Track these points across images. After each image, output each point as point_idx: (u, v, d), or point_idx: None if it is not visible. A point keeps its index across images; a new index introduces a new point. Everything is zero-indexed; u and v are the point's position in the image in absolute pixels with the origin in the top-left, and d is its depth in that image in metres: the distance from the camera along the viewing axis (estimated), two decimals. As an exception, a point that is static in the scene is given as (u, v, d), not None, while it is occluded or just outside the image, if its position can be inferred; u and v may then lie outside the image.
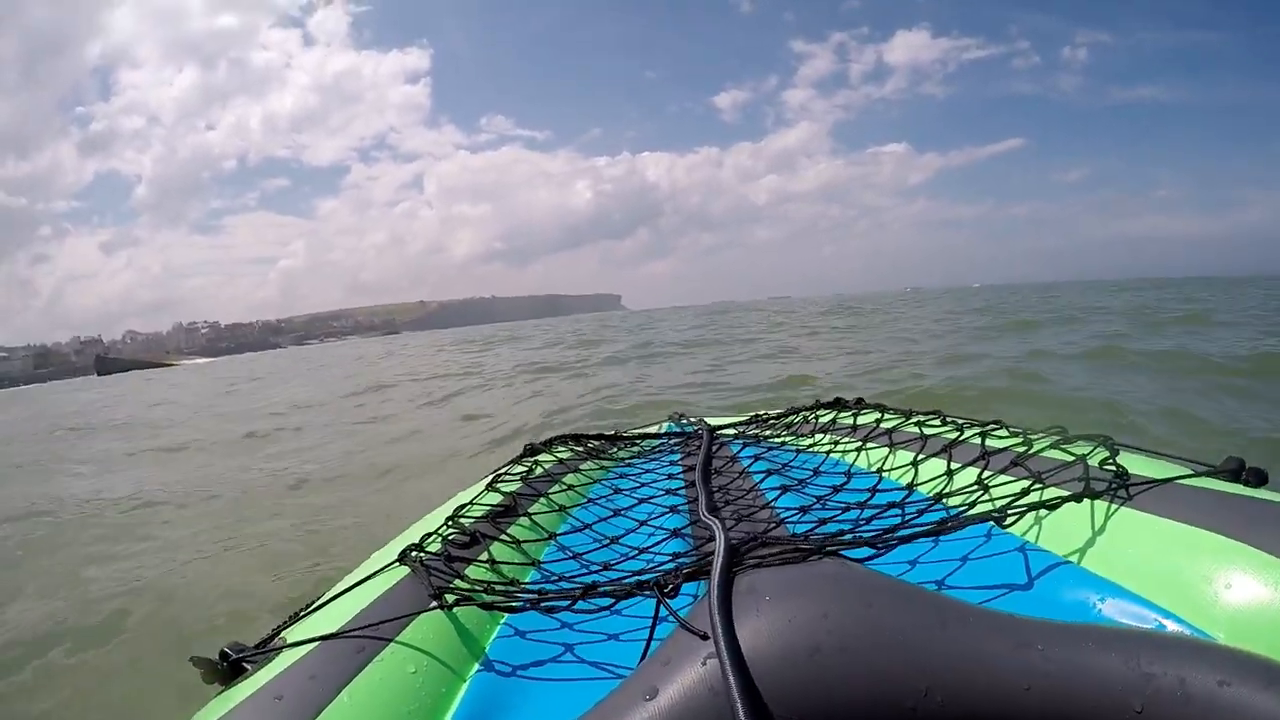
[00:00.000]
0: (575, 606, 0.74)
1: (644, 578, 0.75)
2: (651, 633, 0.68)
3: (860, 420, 1.50)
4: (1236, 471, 0.77)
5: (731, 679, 0.50)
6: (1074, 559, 0.73)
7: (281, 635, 0.73)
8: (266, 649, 0.70)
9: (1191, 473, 0.78)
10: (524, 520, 1.10)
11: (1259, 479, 0.75)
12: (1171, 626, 0.60)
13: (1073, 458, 0.87)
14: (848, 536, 0.76)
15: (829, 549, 0.68)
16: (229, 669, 0.68)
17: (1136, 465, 0.82)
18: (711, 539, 0.72)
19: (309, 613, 0.79)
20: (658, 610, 0.68)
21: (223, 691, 0.66)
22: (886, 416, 1.45)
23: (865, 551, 0.72)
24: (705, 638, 0.55)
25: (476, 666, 0.73)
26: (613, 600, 0.74)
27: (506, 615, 0.81)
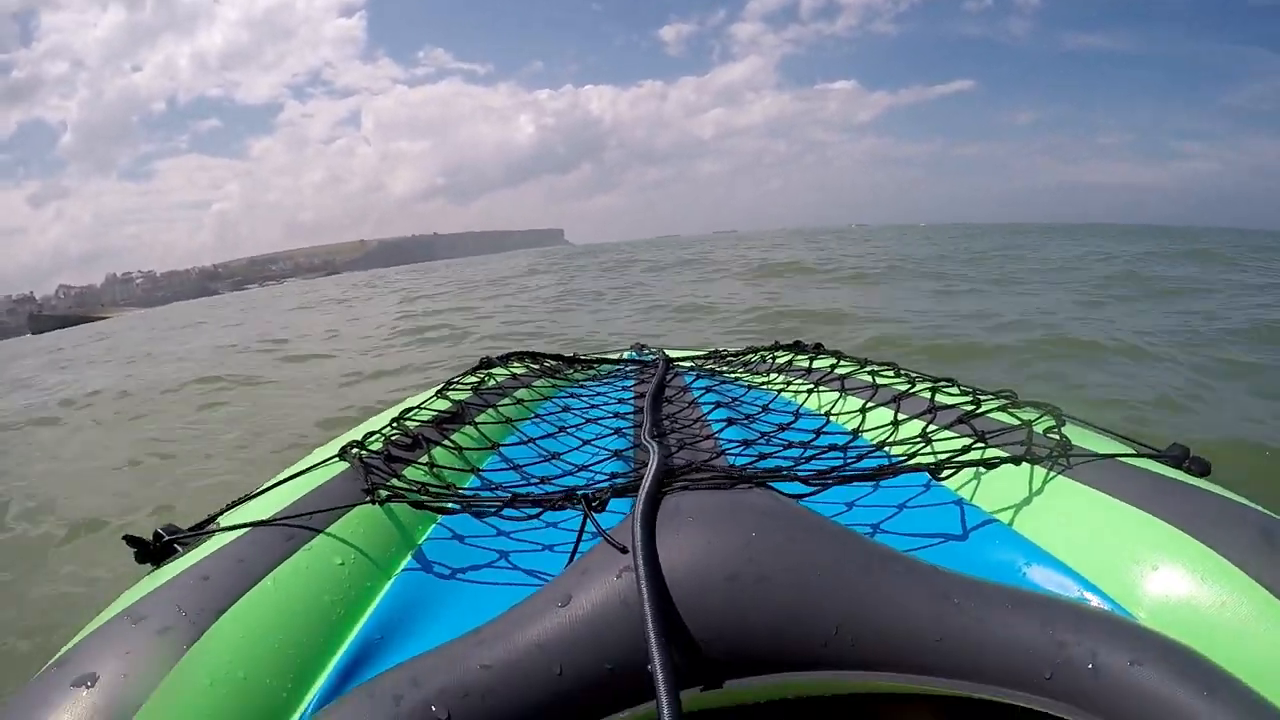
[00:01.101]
0: (504, 513, 0.76)
1: (576, 491, 0.75)
2: (577, 544, 0.69)
3: (816, 365, 1.50)
4: (1180, 458, 0.77)
5: (645, 593, 0.50)
6: (1007, 520, 0.74)
7: (216, 520, 0.75)
8: (199, 532, 0.71)
9: (1134, 452, 0.78)
10: (469, 428, 1.11)
11: (1201, 469, 0.76)
12: (1093, 600, 0.60)
13: (1019, 422, 0.87)
14: (785, 472, 0.76)
15: (761, 480, 0.68)
16: (161, 549, 0.70)
17: (1080, 438, 0.82)
18: (648, 462, 0.71)
19: (245, 500, 0.80)
20: (584, 522, 0.68)
21: (153, 570, 0.67)
22: (841, 363, 1.45)
23: (800, 488, 0.72)
24: (625, 551, 0.55)
25: (406, 563, 0.74)
26: (541, 509, 0.75)
27: (441, 517, 0.81)
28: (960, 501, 0.80)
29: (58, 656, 0.55)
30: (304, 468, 0.87)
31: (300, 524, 0.70)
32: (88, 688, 0.51)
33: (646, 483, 0.63)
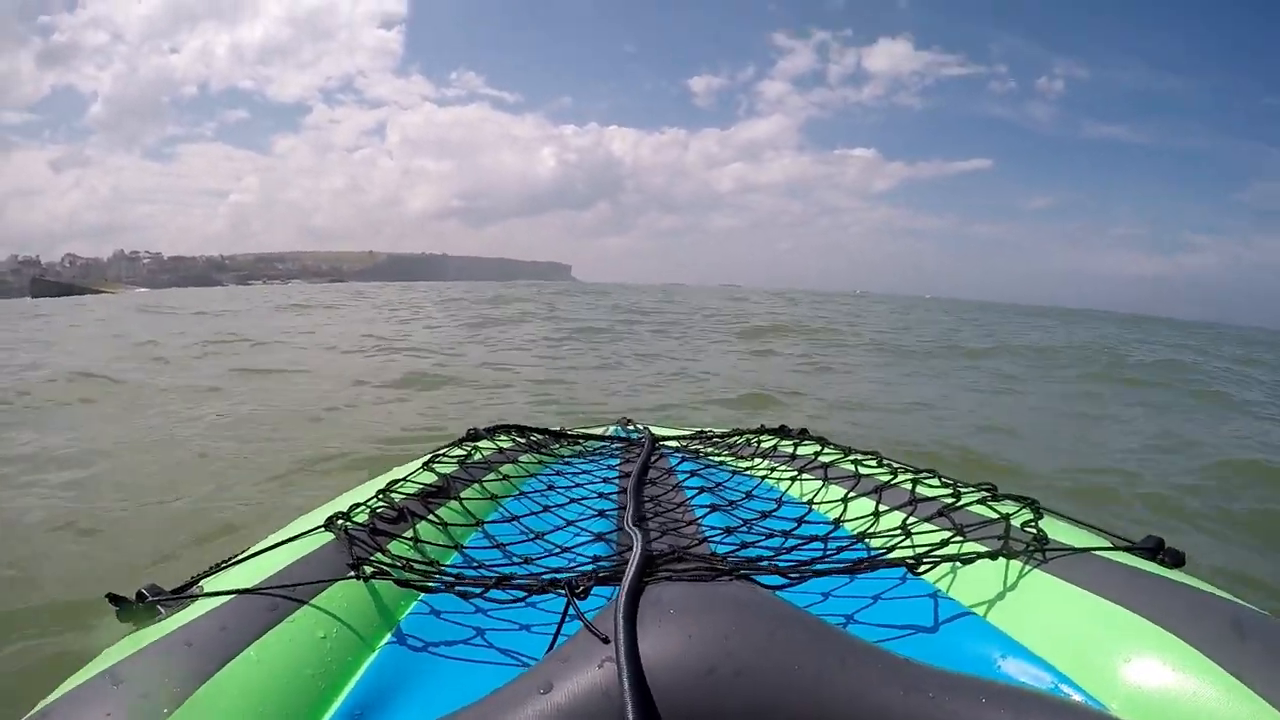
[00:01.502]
0: (488, 594, 0.76)
1: (559, 576, 0.76)
2: (559, 629, 0.69)
3: (800, 451, 1.52)
4: (1154, 550, 0.78)
5: (626, 685, 0.51)
6: (983, 613, 0.74)
7: (199, 584, 0.75)
8: (183, 595, 0.71)
9: (1110, 545, 0.79)
10: (454, 503, 1.11)
11: (1175, 560, 0.77)
12: (1068, 692, 0.61)
13: (997, 515, 0.88)
14: (765, 564, 0.78)
15: (742, 572, 0.69)
16: (143, 610, 0.70)
17: (1057, 531, 0.84)
18: (632, 548, 0.72)
19: (228, 565, 0.80)
20: (566, 608, 0.68)
21: (135, 631, 0.67)
22: (825, 451, 1.47)
23: (779, 579, 0.73)
24: (606, 641, 0.56)
25: (387, 639, 0.75)
26: (525, 593, 0.75)
27: (422, 594, 0.82)
28: (936, 594, 0.81)
29: (35, 711, 0.55)
30: (288, 536, 0.87)
31: (284, 594, 0.70)
32: None
33: (629, 573, 0.64)
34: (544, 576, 0.79)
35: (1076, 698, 0.60)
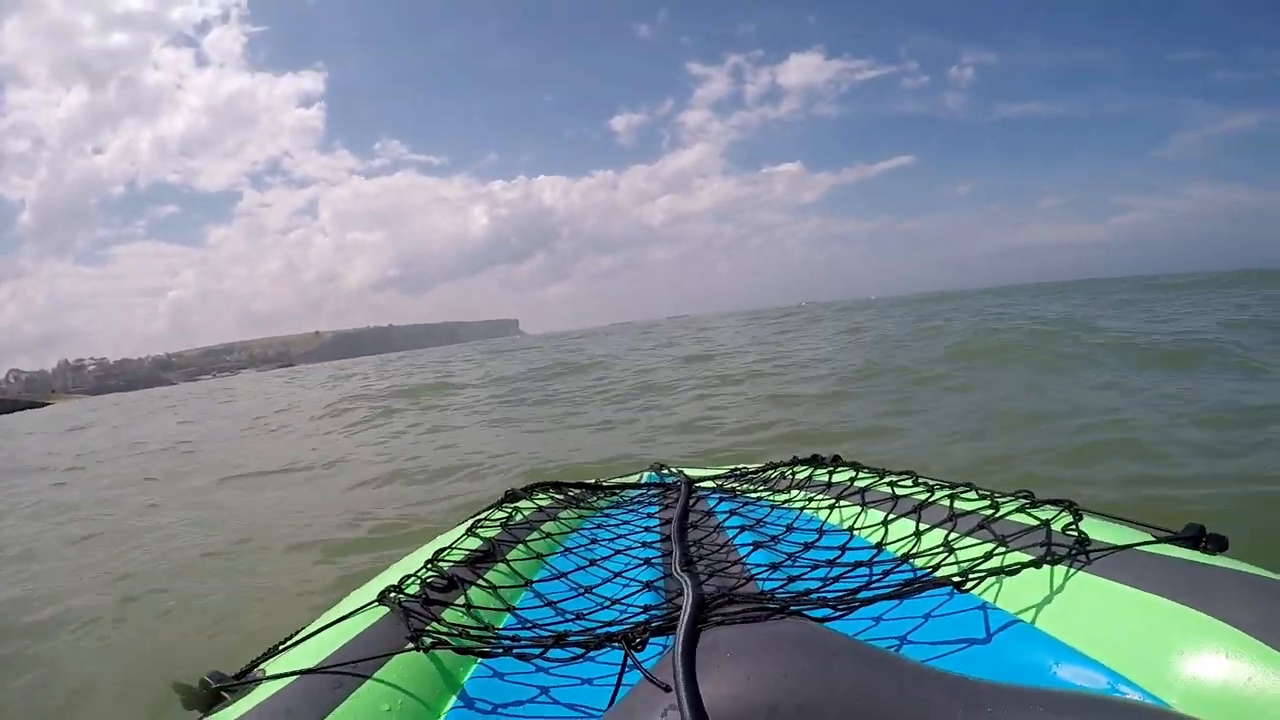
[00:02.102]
0: (547, 654, 0.77)
1: (614, 629, 0.77)
2: (619, 682, 0.70)
3: (835, 478, 1.53)
4: (1196, 538, 0.78)
5: None
6: (1032, 620, 0.75)
7: (261, 667, 0.75)
8: (245, 679, 0.72)
9: (1151, 539, 0.80)
10: (501, 566, 1.12)
11: (1218, 545, 0.77)
12: (1125, 692, 0.61)
13: (1036, 522, 0.90)
14: (813, 596, 0.79)
15: (792, 609, 0.70)
16: (209, 697, 0.70)
17: (1098, 531, 0.84)
18: (682, 593, 0.74)
19: (288, 646, 0.80)
20: (625, 661, 0.70)
21: (202, 719, 0.68)
22: (860, 476, 1.48)
23: (829, 612, 0.73)
24: (668, 689, 0.56)
25: (451, 705, 0.75)
26: (583, 649, 0.76)
27: (480, 659, 0.83)
28: (984, 606, 0.82)
29: None
30: (344, 613, 0.88)
31: (347, 671, 0.71)
32: None
33: (684, 620, 0.65)
34: (599, 631, 0.79)
35: (1134, 697, 0.60)
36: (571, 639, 0.78)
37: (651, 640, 0.73)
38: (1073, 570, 0.77)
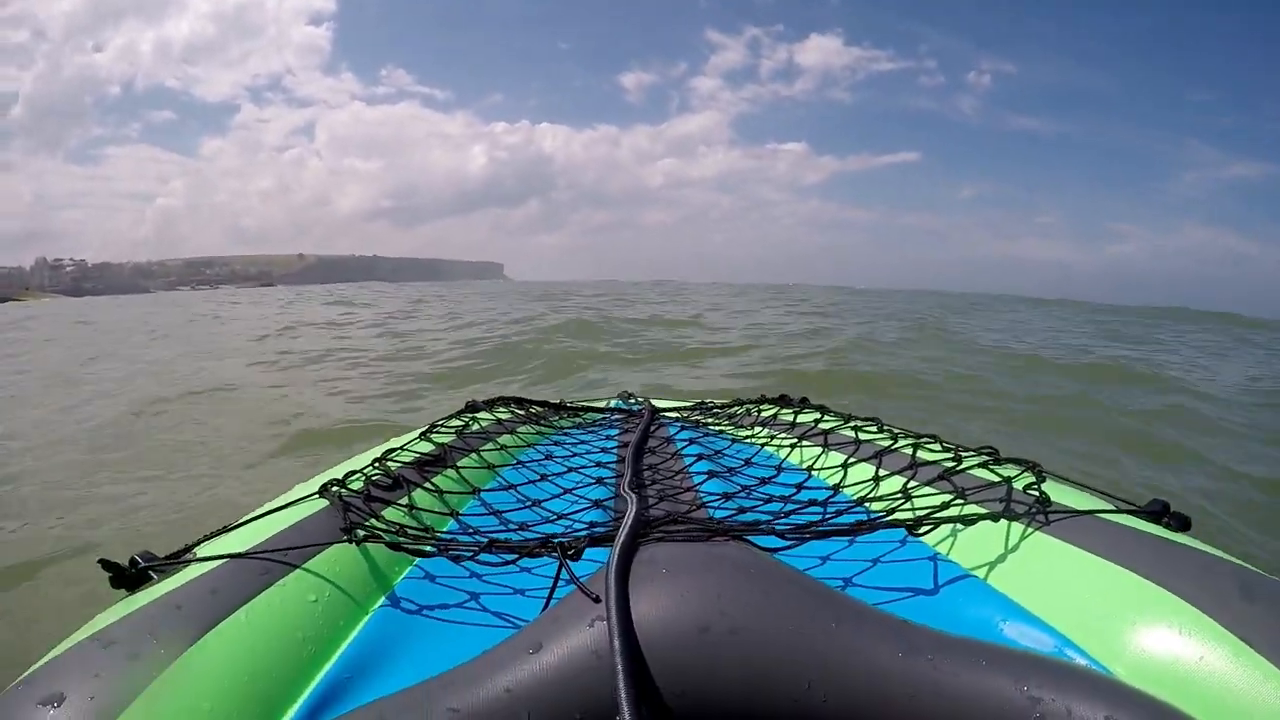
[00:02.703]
0: (480, 558, 0.75)
1: (553, 539, 0.75)
2: (552, 592, 0.69)
3: (800, 419, 1.52)
4: (1159, 514, 0.77)
5: (616, 643, 0.50)
6: (984, 576, 0.74)
7: (193, 550, 0.74)
8: (175, 561, 0.71)
9: (1114, 509, 0.79)
10: (450, 472, 1.12)
11: (1181, 524, 0.75)
12: (1071, 656, 0.60)
13: (998, 479, 0.88)
14: (763, 526, 0.77)
15: (736, 534, 0.69)
16: (136, 576, 0.68)
17: (1060, 494, 0.83)
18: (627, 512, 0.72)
19: (222, 532, 0.80)
20: (559, 570, 0.69)
21: (127, 597, 0.67)
22: (825, 418, 1.47)
23: (775, 542, 0.71)
24: (598, 600, 0.56)
25: (380, 602, 0.74)
26: (517, 555, 0.74)
27: (417, 560, 0.82)
28: (936, 557, 0.81)
29: (25, 675, 0.55)
30: (283, 503, 0.87)
31: (276, 559, 0.70)
32: (54, 707, 0.51)
33: (622, 533, 0.64)
34: (538, 539, 0.78)
35: (1080, 661, 0.59)
36: (507, 544, 0.77)
37: (590, 555, 0.71)
38: (1030, 529, 0.76)
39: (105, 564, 0.69)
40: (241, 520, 0.85)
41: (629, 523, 0.68)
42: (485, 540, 0.79)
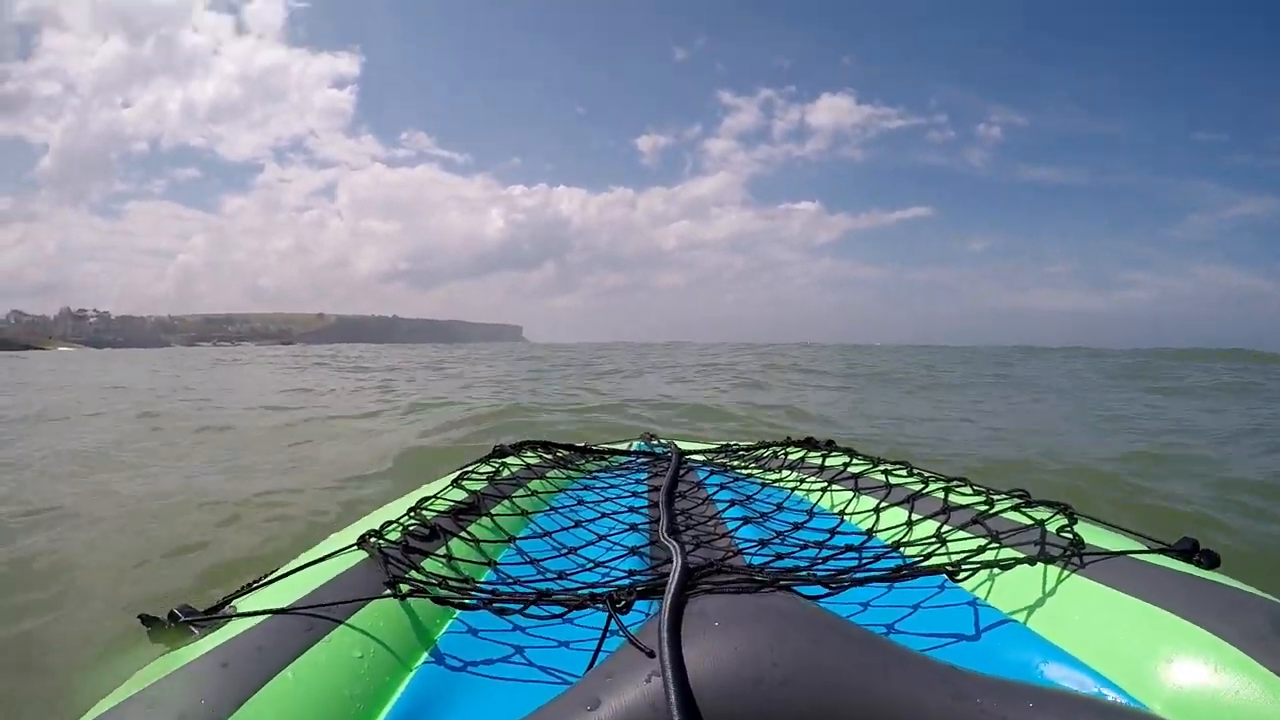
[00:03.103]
0: (527, 611, 0.75)
1: (598, 590, 0.75)
2: (600, 644, 0.69)
3: (828, 462, 1.51)
4: (1189, 551, 0.78)
5: (673, 699, 0.50)
6: (1022, 619, 0.75)
7: (232, 604, 0.73)
8: (217, 616, 0.70)
9: (1145, 549, 0.80)
10: (485, 520, 1.11)
11: (1211, 561, 0.77)
12: (1110, 695, 0.61)
13: (1031, 522, 0.89)
14: (804, 573, 0.78)
15: (783, 583, 0.69)
16: (176, 631, 0.68)
17: (1092, 536, 0.84)
18: (669, 560, 0.72)
19: (261, 585, 0.79)
20: (608, 623, 0.69)
21: (168, 652, 0.66)
22: (854, 461, 1.46)
23: (818, 589, 0.72)
24: (652, 655, 0.55)
25: (424, 658, 0.74)
26: (565, 609, 0.74)
27: (459, 612, 0.81)
28: (975, 602, 0.81)
29: None
30: (321, 555, 0.86)
31: (321, 614, 0.70)
32: None
33: (671, 586, 0.63)
34: (581, 592, 0.77)
35: (1120, 701, 0.60)
36: (553, 597, 0.76)
37: (636, 607, 0.71)
38: (1066, 572, 0.77)
39: (145, 619, 0.69)
40: (279, 572, 0.83)
41: (677, 574, 0.67)
42: (531, 593, 0.79)
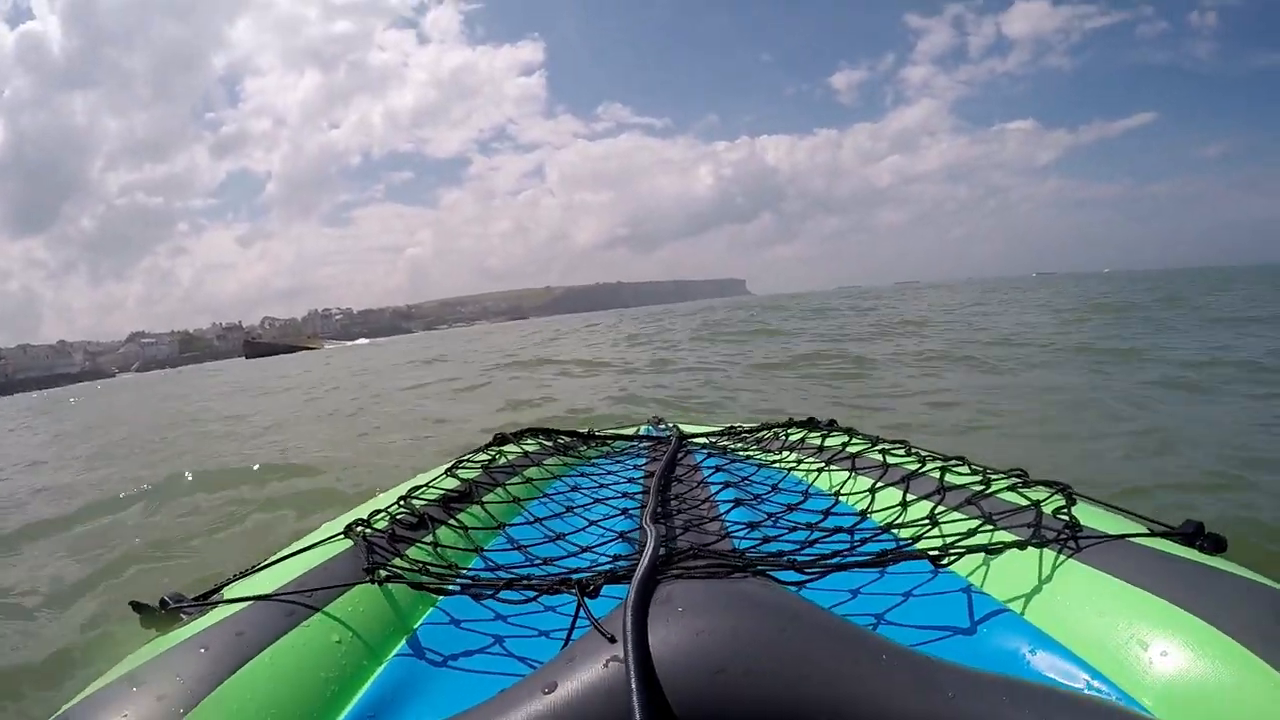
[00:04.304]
0: (500, 595, 0.75)
1: (573, 576, 0.74)
2: (571, 630, 0.69)
3: (828, 442, 1.49)
4: (1193, 535, 0.74)
5: (633, 684, 0.49)
6: (1015, 607, 0.72)
7: (221, 591, 0.77)
8: (203, 603, 0.74)
9: (1146, 531, 0.75)
10: (475, 508, 1.12)
11: (1215, 545, 0.72)
12: (1101, 689, 0.58)
13: (1027, 502, 0.85)
14: (785, 559, 0.75)
15: (758, 569, 0.67)
16: (166, 617, 0.72)
17: (1090, 518, 0.80)
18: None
19: (250, 573, 0.82)
20: (578, 609, 0.67)
21: (156, 637, 0.69)
22: (853, 441, 1.43)
23: (797, 576, 0.70)
24: (613, 640, 0.54)
25: (401, 645, 0.75)
26: (537, 593, 0.74)
27: (440, 599, 0.82)
28: (968, 588, 0.78)
29: (57, 715, 0.57)
30: (310, 543, 0.88)
31: (300, 601, 0.72)
32: None
33: (640, 570, 0.62)
34: (558, 576, 0.77)
35: (1110, 694, 0.58)
36: (526, 582, 0.76)
37: (611, 592, 0.70)
38: (1061, 556, 0.73)
39: (136, 605, 0.74)
40: (269, 560, 0.86)
41: (647, 558, 0.66)
42: (506, 578, 0.79)
